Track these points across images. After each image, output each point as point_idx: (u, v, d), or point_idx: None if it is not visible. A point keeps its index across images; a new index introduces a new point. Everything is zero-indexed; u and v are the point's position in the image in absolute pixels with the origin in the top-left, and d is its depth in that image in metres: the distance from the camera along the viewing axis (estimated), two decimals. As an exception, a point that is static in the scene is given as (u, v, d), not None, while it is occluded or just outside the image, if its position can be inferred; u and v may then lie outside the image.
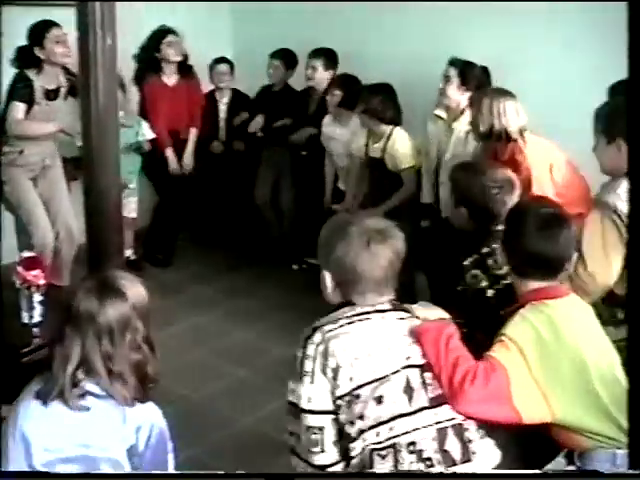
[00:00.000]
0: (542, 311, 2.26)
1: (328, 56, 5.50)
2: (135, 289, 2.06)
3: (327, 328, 2.05)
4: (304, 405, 2.00)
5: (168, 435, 2.08)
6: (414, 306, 2.23)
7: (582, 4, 4.51)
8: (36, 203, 4.72)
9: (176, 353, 4.26)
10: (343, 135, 5.23)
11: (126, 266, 4.14)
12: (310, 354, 2.02)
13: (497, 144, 3.74)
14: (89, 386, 1.98)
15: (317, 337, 2.03)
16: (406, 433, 1.98)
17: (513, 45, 4.82)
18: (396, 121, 4.86)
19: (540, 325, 2.22)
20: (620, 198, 2.64)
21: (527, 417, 2.13)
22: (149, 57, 5.60)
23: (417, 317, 2.17)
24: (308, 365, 2.01)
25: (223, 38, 6.69)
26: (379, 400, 1.99)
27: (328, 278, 2.16)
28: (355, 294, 2.12)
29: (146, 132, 5.49)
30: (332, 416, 1.99)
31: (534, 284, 2.36)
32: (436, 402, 2.04)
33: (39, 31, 4.52)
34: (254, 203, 6.00)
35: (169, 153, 5.66)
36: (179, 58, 5.60)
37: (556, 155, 3.76)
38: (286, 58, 5.81)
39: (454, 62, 4.55)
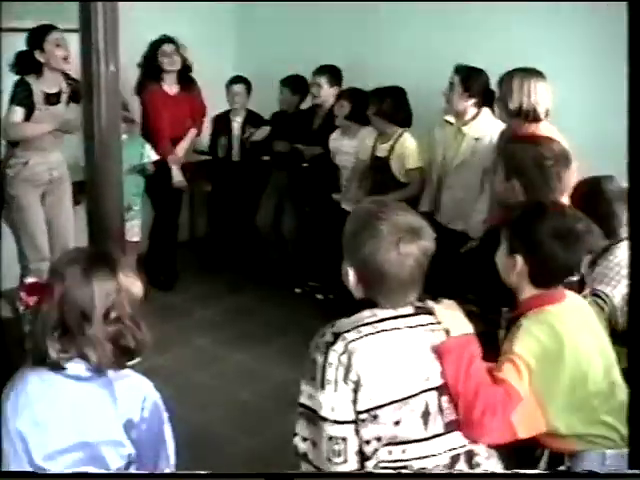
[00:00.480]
0: (544, 321, 2.26)
1: (332, 73, 5.57)
2: (130, 278, 2.06)
3: (350, 337, 1.94)
4: (327, 415, 1.90)
5: (162, 406, 2.06)
6: (436, 307, 2.11)
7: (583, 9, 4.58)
8: (40, 227, 4.72)
9: (177, 376, 4.27)
10: (352, 147, 5.28)
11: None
12: (332, 362, 1.91)
13: (523, 122, 3.81)
14: (72, 368, 1.97)
15: (339, 346, 1.92)
16: (419, 458, 1.95)
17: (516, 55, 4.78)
18: (407, 123, 4.95)
19: (544, 337, 2.22)
20: None
21: (524, 432, 2.14)
22: (149, 66, 5.65)
23: (439, 322, 2.07)
24: (331, 373, 1.91)
25: (227, 51, 6.78)
26: (397, 423, 1.92)
27: (352, 274, 2.04)
28: (379, 294, 2.02)
29: (150, 154, 5.51)
30: (354, 425, 1.91)
31: (536, 290, 2.34)
32: (450, 428, 2.00)
33: (39, 34, 4.54)
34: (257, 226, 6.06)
35: (171, 161, 5.72)
36: (175, 67, 5.66)
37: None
38: (295, 84, 5.87)
39: (458, 69, 4.59)
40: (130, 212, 5.20)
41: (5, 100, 4.50)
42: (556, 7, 4.75)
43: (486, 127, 4.50)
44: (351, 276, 2.05)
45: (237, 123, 6.12)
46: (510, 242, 2.37)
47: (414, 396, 1.95)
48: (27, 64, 4.54)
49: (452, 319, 2.10)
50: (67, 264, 2.01)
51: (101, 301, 1.96)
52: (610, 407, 2.26)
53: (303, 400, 1.97)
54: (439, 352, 2.02)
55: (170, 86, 5.74)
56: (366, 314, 2.01)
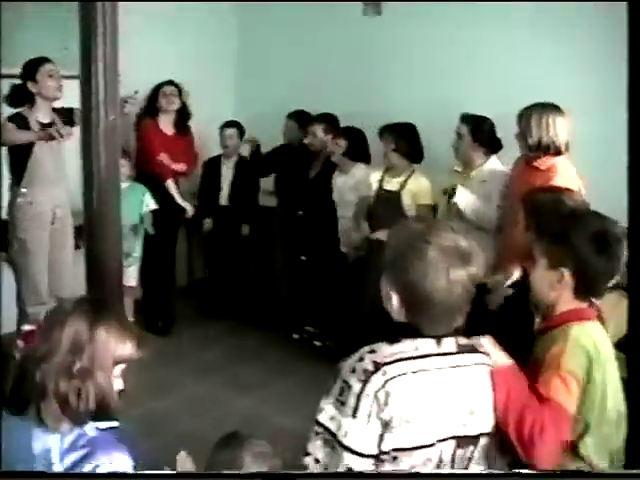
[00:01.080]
0: (590, 334, 2.19)
1: (329, 121, 5.62)
2: (113, 334, 1.96)
3: (390, 372, 1.82)
4: (352, 445, 1.80)
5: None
6: (483, 342, 2.03)
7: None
8: (42, 272, 4.74)
9: (175, 423, 4.24)
10: (346, 182, 5.33)
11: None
12: (369, 394, 1.80)
13: (542, 156, 3.99)
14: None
15: (379, 379, 1.81)
16: None
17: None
18: (420, 159, 5.05)
19: (592, 350, 2.16)
20: None
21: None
22: (149, 105, 5.79)
23: (483, 362, 1.98)
24: (365, 405, 1.80)
25: (226, 96, 6.89)
26: (411, 467, 1.85)
27: (395, 298, 1.91)
28: (424, 320, 1.90)
29: (150, 203, 5.57)
30: (373, 461, 1.82)
31: (574, 304, 2.26)
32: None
33: (32, 66, 4.62)
34: (255, 270, 6.08)
35: (170, 184, 5.77)
36: (173, 107, 5.78)
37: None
38: (300, 119, 5.91)
39: (465, 118, 4.67)
40: (129, 258, 5.23)
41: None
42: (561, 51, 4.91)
43: (493, 171, 4.60)
44: (394, 300, 1.91)
45: (228, 167, 6.19)
46: (552, 256, 2.25)
47: (431, 446, 1.87)
48: (20, 95, 4.63)
49: (496, 352, 2.05)
50: (53, 312, 2.00)
51: (64, 349, 1.88)
52: (617, 438, 2.23)
53: (324, 420, 1.85)
54: (491, 377, 1.96)
55: (166, 126, 5.83)
56: (408, 346, 1.90)
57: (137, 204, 5.43)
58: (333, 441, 1.82)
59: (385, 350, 1.88)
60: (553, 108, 4.08)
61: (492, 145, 4.65)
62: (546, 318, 2.34)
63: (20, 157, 4.62)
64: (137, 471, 1.90)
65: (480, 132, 4.63)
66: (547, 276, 2.27)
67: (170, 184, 5.77)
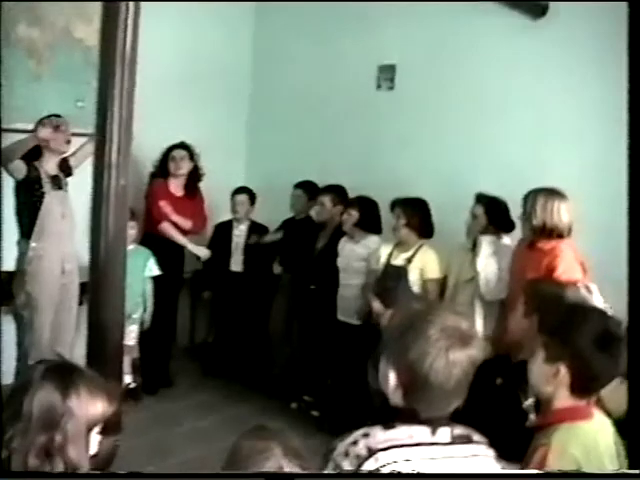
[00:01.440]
0: (579, 438, 2.14)
1: (337, 192, 5.64)
2: (96, 378, 1.93)
3: (382, 459, 1.78)
4: None
5: None
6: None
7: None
8: (46, 328, 4.73)
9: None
10: (354, 251, 5.31)
11: (125, 394, 4.18)
12: None
13: (542, 238, 4.10)
14: None
15: (370, 466, 1.77)
16: None
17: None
18: (431, 235, 5.06)
19: (579, 455, 2.10)
20: None
21: None
22: (159, 168, 5.85)
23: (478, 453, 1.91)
24: None
25: (238, 162, 6.97)
26: None
27: (392, 377, 1.87)
28: (420, 402, 1.85)
29: (153, 268, 5.58)
30: None
31: (570, 401, 2.20)
32: None
33: (41, 120, 4.67)
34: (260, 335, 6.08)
35: (171, 231, 5.75)
36: (181, 172, 5.81)
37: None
38: (309, 189, 5.98)
39: (481, 199, 4.72)
40: (129, 320, 5.22)
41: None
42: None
43: (499, 246, 4.65)
44: (391, 380, 1.88)
45: (239, 232, 6.21)
46: (550, 349, 2.21)
47: None
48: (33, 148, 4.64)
49: None
50: (22, 380, 1.91)
51: (35, 425, 1.80)
52: None
53: None
54: None
55: (176, 188, 5.87)
56: (403, 433, 1.84)
57: (141, 268, 5.45)
58: None
59: (379, 435, 1.84)
60: (558, 194, 4.17)
61: (506, 226, 4.70)
62: (543, 414, 2.30)
63: (30, 210, 4.66)
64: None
65: (496, 214, 4.68)
66: (544, 369, 2.23)
67: (168, 227, 5.75)
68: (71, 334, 4.88)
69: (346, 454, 1.82)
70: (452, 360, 1.81)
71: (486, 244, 4.63)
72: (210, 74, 6.42)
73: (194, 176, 5.92)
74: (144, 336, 5.71)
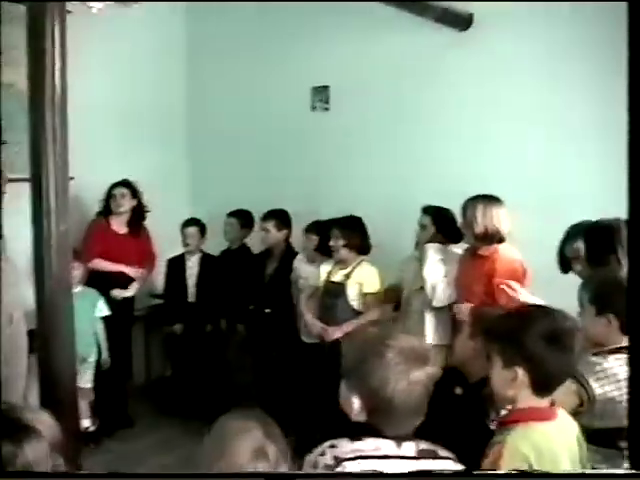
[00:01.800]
0: (531, 436, 2.17)
1: (280, 217, 5.69)
2: (46, 422, 1.90)
3: (349, 468, 1.83)
4: None
5: None
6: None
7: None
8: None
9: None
10: (314, 273, 5.34)
11: (83, 437, 4.11)
12: None
13: (485, 244, 4.21)
14: None
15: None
16: None
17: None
18: (368, 251, 5.14)
19: (531, 455, 2.12)
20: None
21: None
22: (103, 205, 5.78)
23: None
24: None
25: (182, 194, 6.94)
26: None
27: (356, 402, 1.93)
28: (385, 422, 1.91)
29: (103, 308, 5.49)
30: None
31: (532, 401, 2.24)
32: None
33: None
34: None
35: (102, 264, 5.66)
36: (122, 209, 5.76)
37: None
38: (242, 217, 6.02)
39: (428, 210, 4.82)
40: (84, 364, 5.16)
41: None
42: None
43: (447, 254, 4.73)
44: (356, 405, 1.94)
45: (192, 264, 6.17)
46: (504, 355, 2.25)
47: None
48: None
49: None
50: None
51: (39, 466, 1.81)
52: None
53: None
54: None
55: (119, 226, 5.82)
56: (369, 444, 1.91)
57: (89, 309, 5.37)
58: None
59: (346, 446, 1.90)
60: (496, 200, 4.29)
61: (454, 235, 4.76)
62: (504, 415, 2.35)
63: None
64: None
65: (443, 223, 4.78)
66: (502, 375, 2.26)
67: (98, 262, 5.66)
68: (22, 383, 4.79)
69: (314, 465, 1.87)
70: (412, 381, 1.88)
71: (432, 252, 4.71)
72: (146, 113, 6.41)
73: (138, 213, 5.88)
74: (100, 377, 5.63)
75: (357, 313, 5.05)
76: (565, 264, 3.87)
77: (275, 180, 6.25)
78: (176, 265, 6.20)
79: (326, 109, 6.13)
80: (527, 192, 4.91)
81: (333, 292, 5.11)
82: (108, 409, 5.72)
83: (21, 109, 5.06)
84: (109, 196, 5.77)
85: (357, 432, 1.94)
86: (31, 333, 4.47)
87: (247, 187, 6.33)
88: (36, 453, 1.81)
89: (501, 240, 4.25)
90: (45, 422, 1.91)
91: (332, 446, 1.90)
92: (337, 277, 5.12)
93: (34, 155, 2.59)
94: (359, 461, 1.85)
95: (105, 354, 5.52)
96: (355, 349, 2.03)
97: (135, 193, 5.83)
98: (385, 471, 1.85)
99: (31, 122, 2.62)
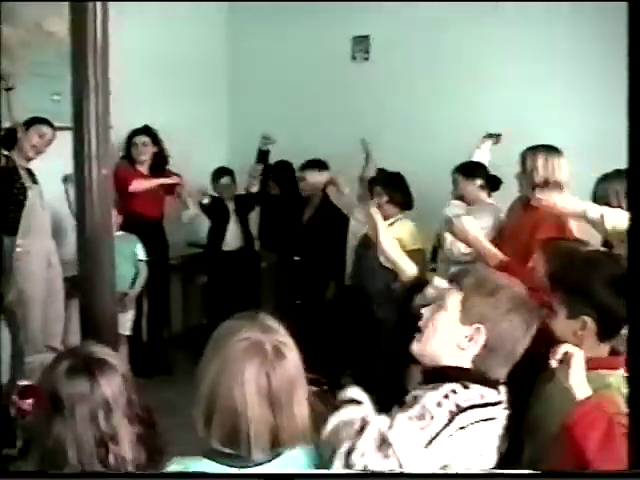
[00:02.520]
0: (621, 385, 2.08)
1: (318, 167, 5.69)
2: (119, 359, 1.91)
3: (468, 419, 1.83)
4: (409, 468, 1.77)
5: None
6: None
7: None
8: (39, 322, 4.76)
9: None
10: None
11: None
12: (447, 434, 1.81)
13: (544, 194, 3.89)
14: None
15: (459, 423, 1.82)
16: None
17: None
18: (411, 207, 5.15)
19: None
20: None
21: None
22: (125, 152, 5.84)
23: None
24: (440, 443, 1.80)
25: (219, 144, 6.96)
26: None
27: (481, 339, 1.96)
28: (491, 364, 1.97)
29: (140, 253, 5.55)
30: None
31: (598, 348, 2.20)
32: None
33: (33, 120, 4.76)
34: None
35: (145, 184, 5.72)
36: (144, 157, 5.81)
37: None
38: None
39: (459, 168, 4.82)
40: (126, 298, 5.26)
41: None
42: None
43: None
44: (479, 341, 1.97)
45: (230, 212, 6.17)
46: (571, 305, 2.21)
47: None
48: (10, 139, 4.70)
49: None
50: (63, 374, 1.81)
51: (116, 399, 1.80)
52: None
53: (391, 433, 1.79)
54: None
55: (143, 169, 5.87)
56: (476, 393, 1.90)
57: (129, 254, 5.44)
58: (391, 453, 1.76)
59: (464, 394, 1.88)
60: (556, 150, 4.15)
61: (491, 184, 4.77)
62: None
63: (14, 206, 4.67)
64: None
65: (473, 171, 4.79)
66: (569, 325, 2.22)
67: (139, 182, 5.69)
68: (61, 326, 4.90)
69: (439, 405, 1.84)
70: (513, 323, 1.95)
71: (450, 209, 4.67)
72: (187, 63, 6.42)
73: (159, 158, 5.91)
74: (138, 325, 5.73)
75: (383, 267, 5.01)
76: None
77: (313, 130, 6.23)
78: (216, 211, 6.21)
79: (366, 59, 6.08)
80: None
81: (366, 244, 5.09)
82: (146, 356, 5.83)
83: (60, 58, 5.17)
84: (130, 143, 5.80)
85: (457, 379, 1.93)
86: (72, 279, 4.56)
87: (283, 136, 6.33)
88: (113, 387, 1.81)
89: (561, 189, 4.07)
90: (116, 356, 1.93)
91: (454, 391, 1.87)
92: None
93: (76, 102, 2.61)
94: (474, 411, 1.86)
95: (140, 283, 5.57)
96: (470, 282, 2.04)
97: (156, 140, 5.86)
98: (492, 417, 1.90)
99: (73, 70, 2.63)
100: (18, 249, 4.65)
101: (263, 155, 6.13)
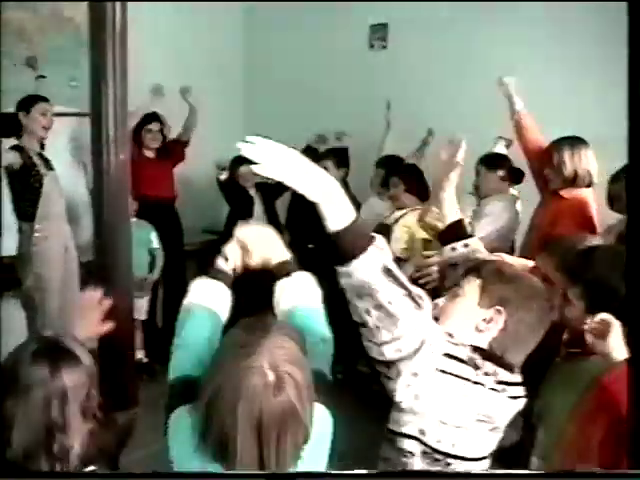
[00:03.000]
0: None
1: (338, 156, 5.66)
2: (86, 353, 1.89)
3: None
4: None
5: None
6: None
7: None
8: (55, 307, 4.77)
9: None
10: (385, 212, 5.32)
11: (138, 369, 4.21)
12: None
13: (574, 188, 4.00)
14: None
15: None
16: None
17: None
18: (428, 198, 5.00)
19: None
20: None
21: None
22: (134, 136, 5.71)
23: None
24: None
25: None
26: None
27: (501, 321, 2.01)
28: (506, 346, 2.00)
29: (154, 241, 5.56)
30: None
31: None
32: None
33: (29, 101, 4.70)
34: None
35: None
36: (155, 145, 5.81)
37: None
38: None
39: (482, 159, 4.75)
40: (145, 282, 5.28)
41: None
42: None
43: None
44: (500, 323, 2.01)
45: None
46: (590, 299, 2.21)
47: None
48: (9, 125, 4.67)
49: None
50: (28, 356, 1.81)
51: (74, 391, 1.80)
52: None
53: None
54: None
55: (149, 153, 5.87)
56: (489, 367, 1.97)
57: (145, 241, 5.46)
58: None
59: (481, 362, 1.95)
60: (582, 141, 4.09)
61: (514, 176, 4.74)
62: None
63: (31, 193, 4.68)
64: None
65: (497, 162, 4.74)
66: (586, 318, 2.17)
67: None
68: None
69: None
70: (532, 311, 1.97)
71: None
72: (204, 50, 6.41)
73: (166, 146, 5.92)
74: (153, 311, 5.76)
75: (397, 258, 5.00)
76: None
77: (327, 118, 6.22)
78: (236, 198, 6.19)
79: (384, 47, 6.05)
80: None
81: (379, 231, 5.07)
82: (161, 342, 5.84)
83: (78, 43, 5.18)
84: (140, 130, 5.76)
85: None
86: (82, 265, 4.58)
87: (300, 124, 6.31)
88: (73, 378, 1.80)
89: (590, 184, 4.06)
90: (84, 349, 1.91)
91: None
92: (389, 220, 5.08)
93: (94, 87, 2.61)
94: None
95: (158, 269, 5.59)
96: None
97: (164, 126, 5.86)
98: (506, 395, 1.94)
99: (92, 55, 2.63)
100: (36, 234, 4.67)
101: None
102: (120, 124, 2.56)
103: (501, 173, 4.72)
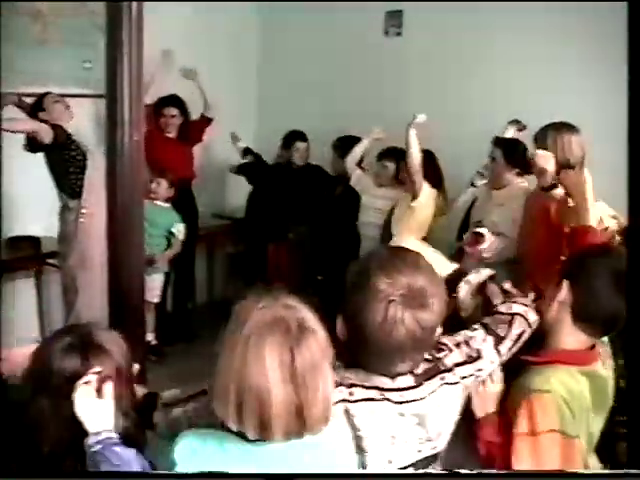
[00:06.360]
0: (570, 384, 2.06)
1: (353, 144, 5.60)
2: (118, 345, 1.87)
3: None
4: None
5: None
6: None
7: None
8: (98, 286, 4.70)
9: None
10: (386, 205, 5.28)
11: (147, 352, 4.22)
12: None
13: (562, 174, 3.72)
14: None
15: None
16: None
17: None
18: (441, 185, 5.08)
19: (569, 401, 2.02)
20: None
21: None
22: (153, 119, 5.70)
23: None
24: None
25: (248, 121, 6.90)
26: None
27: (339, 325, 1.81)
28: (360, 357, 1.80)
29: (177, 230, 5.48)
30: None
31: (577, 342, 2.15)
32: None
33: (37, 99, 4.67)
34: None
35: None
36: (172, 129, 5.78)
37: None
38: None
39: (498, 142, 4.65)
40: (152, 275, 5.25)
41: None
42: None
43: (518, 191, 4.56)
44: (338, 328, 1.81)
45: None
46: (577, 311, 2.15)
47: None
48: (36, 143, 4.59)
49: None
50: (59, 350, 1.80)
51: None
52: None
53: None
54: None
55: (172, 136, 5.85)
56: (360, 376, 1.81)
57: (168, 224, 5.41)
58: None
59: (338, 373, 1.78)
60: (567, 127, 3.94)
61: (525, 167, 4.65)
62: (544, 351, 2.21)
63: (75, 169, 4.69)
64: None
65: (514, 155, 4.60)
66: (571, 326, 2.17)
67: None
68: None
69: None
70: (391, 317, 1.69)
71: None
72: (219, 34, 6.38)
73: (186, 129, 5.87)
74: (165, 294, 5.78)
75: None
76: None
77: (341, 104, 6.21)
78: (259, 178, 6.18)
79: (399, 34, 6.03)
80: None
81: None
82: (170, 324, 5.88)
83: (93, 26, 5.17)
84: (158, 114, 5.73)
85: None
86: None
87: (313, 110, 6.31)
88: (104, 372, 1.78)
89: (573, 167, 3.81)
90: (118, 344, 1.89)
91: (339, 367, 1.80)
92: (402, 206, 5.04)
93: (109, 68, 2.62)
94: (353, 389, 1.78)
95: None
96: (352, 270, 1.82)
97: (183, 109, 5.81)
98: (387, 401, 1.79)
99: (108, 36, 2.65)
100: (83, 210, 4.66)
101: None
102: (135, 106, 2.58)
103: (519, 170, 4.65)
